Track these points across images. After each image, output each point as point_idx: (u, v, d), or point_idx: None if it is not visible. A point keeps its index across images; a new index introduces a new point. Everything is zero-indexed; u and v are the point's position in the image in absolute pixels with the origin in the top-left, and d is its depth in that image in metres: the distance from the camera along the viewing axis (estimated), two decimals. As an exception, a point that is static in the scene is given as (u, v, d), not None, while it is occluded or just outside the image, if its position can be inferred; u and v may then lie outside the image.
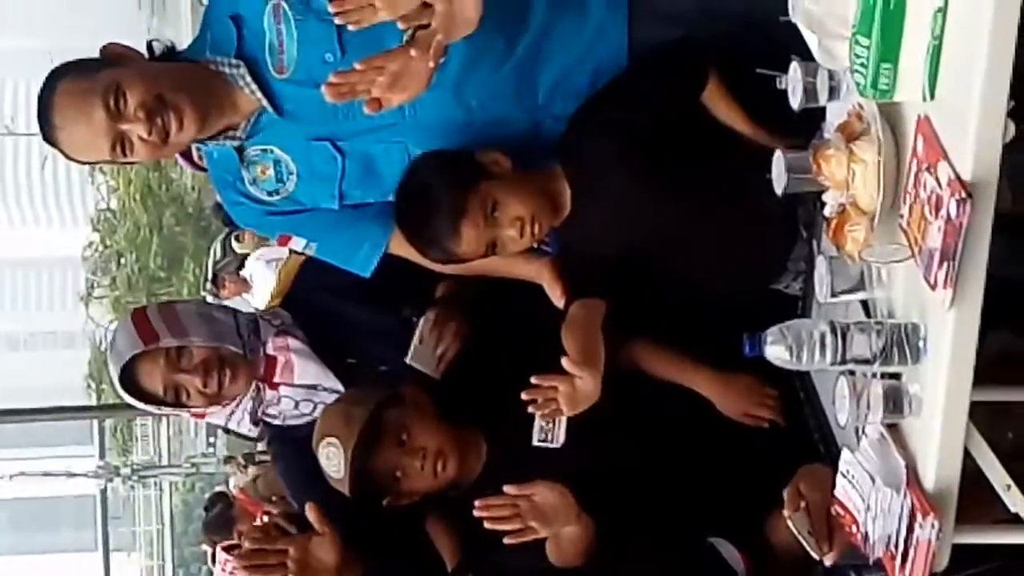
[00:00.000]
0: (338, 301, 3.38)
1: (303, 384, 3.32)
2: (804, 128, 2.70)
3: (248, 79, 3.03)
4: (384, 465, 3.05)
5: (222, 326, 3.29)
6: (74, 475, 25.15)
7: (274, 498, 6.88)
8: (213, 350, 3.22)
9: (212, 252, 11.62)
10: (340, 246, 3.22)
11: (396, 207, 3.10)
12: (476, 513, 2.96)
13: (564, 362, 2.85)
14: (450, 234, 2.96)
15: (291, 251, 3.39)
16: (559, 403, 2.86)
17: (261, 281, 9.11)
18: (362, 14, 2.75)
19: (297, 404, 3.33)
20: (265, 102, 3.06)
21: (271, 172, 3.16)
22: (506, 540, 2.93)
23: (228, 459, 11.01)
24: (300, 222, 3.21)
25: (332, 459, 3.04)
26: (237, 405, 3.31)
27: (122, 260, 26.37)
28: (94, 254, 28.21)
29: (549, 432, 3.06)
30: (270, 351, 3.30)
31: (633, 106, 3.02)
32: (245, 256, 10.33)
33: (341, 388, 3.32)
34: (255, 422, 3.36)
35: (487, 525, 2.96)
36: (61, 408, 8.60)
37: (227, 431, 3.48)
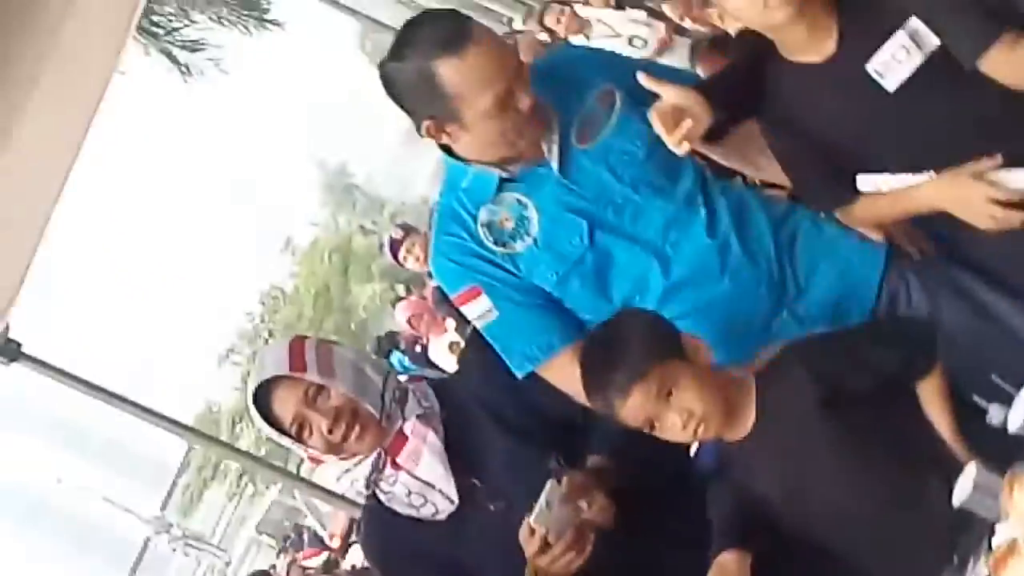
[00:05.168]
0: (488, 418, 3.27)
1: (422, 479, 3.23)
2: (1003, 454, 2.61)
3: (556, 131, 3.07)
4: None
5: (369, 382, 3.24)
6: (129, 512, 25.24)
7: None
8: (351, 401, 3.19)
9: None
10: (514, 330, 3.14)
11: (587, 341, 3.04)
12: None
13: None
14: (620, 392, 2.88)
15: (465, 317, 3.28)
16: None
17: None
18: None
19: (409, 494, 3.24)
20: (555, 158, 3.06)
21: (511, 225, 3.11)
22: None
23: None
24: (498, 283, 3.13)
25: None
26: (356, 465, 3.24)
27: (270, 341, 26.72)
28: (249, 322, 28.65)
29: None
30: (407, 430, 3.23)
31: (855, 368, 2.94)
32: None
33: (455, 499, 3.22)
34: (369, 488, 3.27)
35: None
36: (152, 411, 8.50)
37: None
